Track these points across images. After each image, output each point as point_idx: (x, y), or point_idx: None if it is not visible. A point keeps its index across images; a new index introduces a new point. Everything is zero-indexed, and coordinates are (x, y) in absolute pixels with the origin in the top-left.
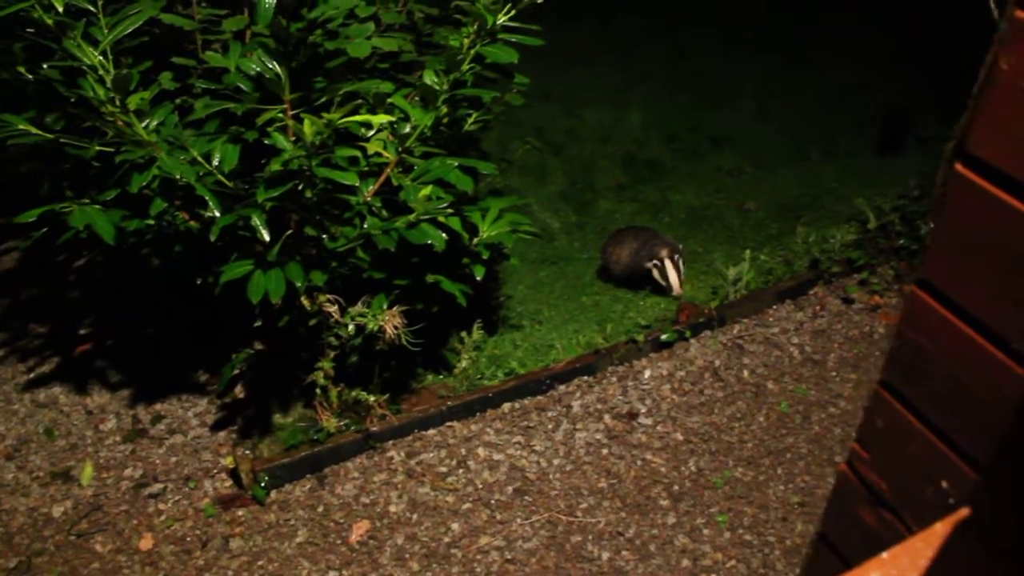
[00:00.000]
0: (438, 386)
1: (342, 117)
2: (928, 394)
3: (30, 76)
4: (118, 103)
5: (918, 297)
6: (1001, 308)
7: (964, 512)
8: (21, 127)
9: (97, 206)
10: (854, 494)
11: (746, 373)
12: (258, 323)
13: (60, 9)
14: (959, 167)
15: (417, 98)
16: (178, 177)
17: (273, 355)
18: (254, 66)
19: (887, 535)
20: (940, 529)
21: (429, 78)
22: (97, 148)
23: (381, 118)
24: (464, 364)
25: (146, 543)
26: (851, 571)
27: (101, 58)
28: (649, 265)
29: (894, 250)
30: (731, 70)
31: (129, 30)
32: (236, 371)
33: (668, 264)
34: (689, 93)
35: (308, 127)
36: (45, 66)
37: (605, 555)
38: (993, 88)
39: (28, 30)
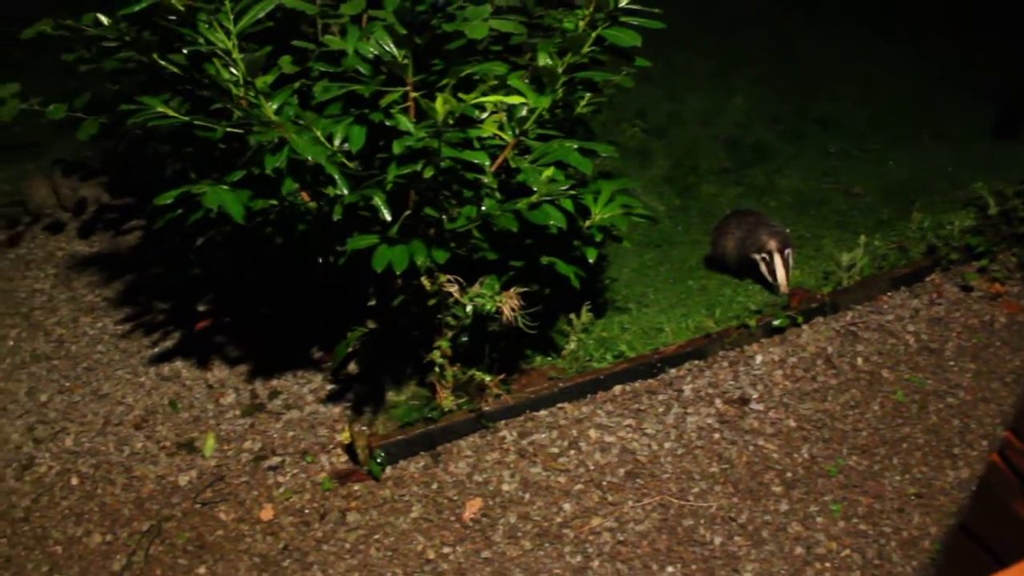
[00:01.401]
0: (547, 367)
1: (476, 98)
2: None
3: (163, 62)
4: (243, 84)
5: None
6: None
7: None
8: (159, 109)
9: (226, 187)
10: (1005, 485)
11: (860, 360)
12: (372, 302)
13: None
14: None
15: (527, 80)
16: (308, 158)
17: (386, 334)
18: (372, 49)
19: None
20: None
21: (544, 60)
22: (225, 130)
23: (513, 99)
24: (572, 346)
25: (267, 514)
26: (1016, 566)
27: (231, 43)
28: (757, 257)
29: (1017, 237)
30: (836, 52)
31: (260, 15)
32: (350, 349)
33: (777, 259)
34: (793, 76)
35: (440, 106)
36: (184, 51)
37: (717, 539)
38: None
39: (171, 17)
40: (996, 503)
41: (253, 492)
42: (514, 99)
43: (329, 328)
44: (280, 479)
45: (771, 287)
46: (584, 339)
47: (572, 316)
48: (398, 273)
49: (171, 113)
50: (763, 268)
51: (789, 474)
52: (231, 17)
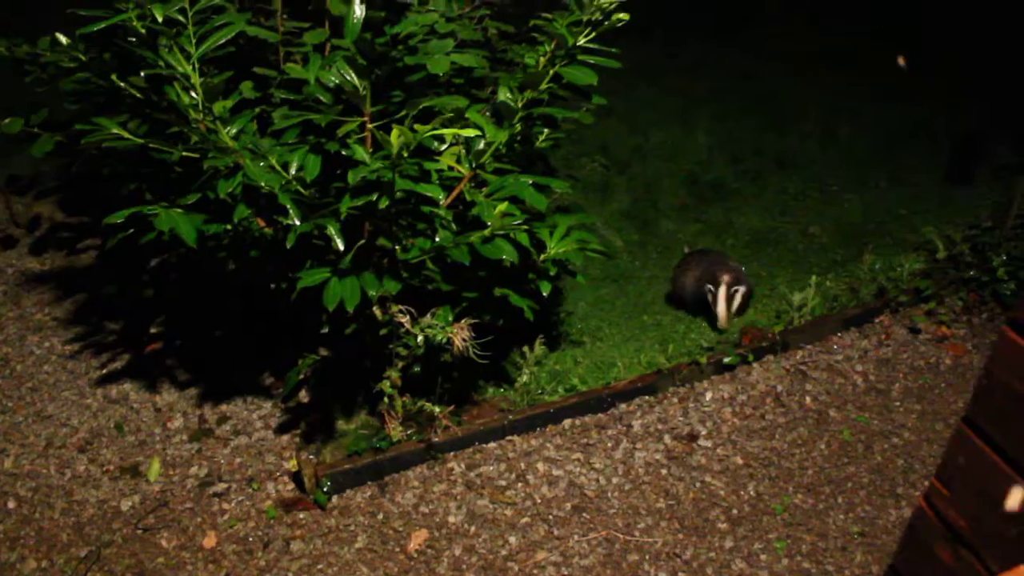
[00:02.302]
0: (498, 399)
1: (430, 130)
2: (1016, 435)
3: (121, 84)
4: (202, 108)
5: (1010, 339)
6: None
7: None
8: (114, 131)
9: (179, 210)
10: (931, 530)
11: (808, 400)
12: (325, 330)
13: (160, 19)
14: None
15: (488, 113)
16: (262, 185)
17: (338, 362)
18: (333, 78)
19: (965, 573)
20: None
21: (504, 95)
22: (181, 153)
23: (468, 132)
24: (525, 379)
25: (209, 541)
26: None
27: (191, 67)
28: (707, 288)
29: (964, 281)
30: (798, 94)
31: (221, 41)
32: (301, 376)
33: (722, 292)
34: (755, 116)
35: (395, 138)
36: (142, 73)
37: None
38: None
39: (131, 39)
40: (923, 547)
41: (197, 519)
42: (468, 132)
43: (281, 354)
44: (225, 506)
45: (714, 321)
46: (537, 372)
47: (526, 348)
48: (349, 310)
49: (126, 135)
50: (710, 299)
51: (735, 511)
52: (193, 41)
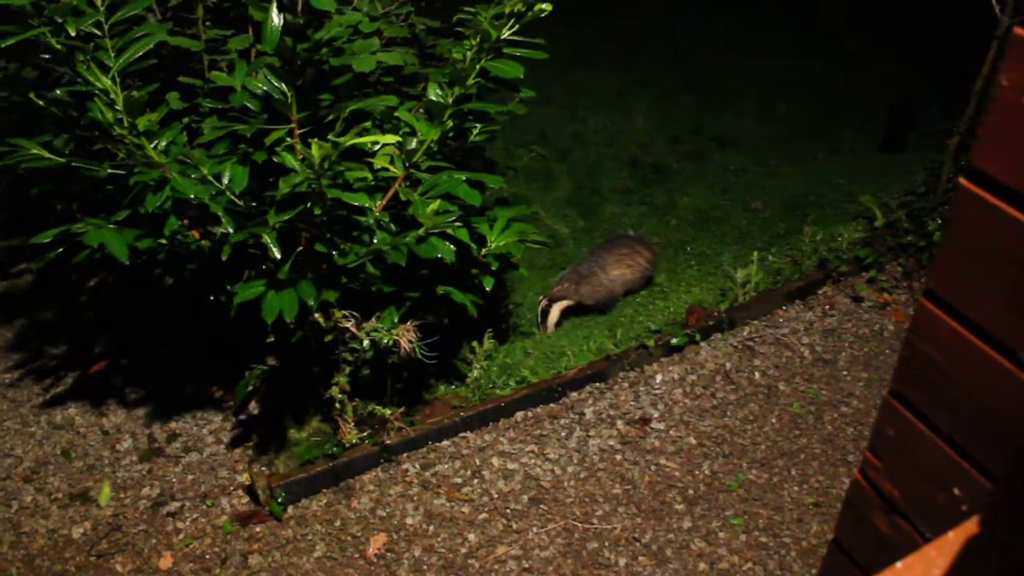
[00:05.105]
0: (451, 396)
1: (350, 140)
2: (938, 403)
3: (40, 101)
4: (127, 124)
5: (926, 308)
6: (1008, 319)
7: (977, 520)
8: (34, 151)
9: (111, 226)
10: (867, 501)
11: (757, 375)
12: (271, 339)
13: (73, 33)
14: (964, 181)
15: (422, 111)
16: (192, 197)
17: (287, 370)
18: (260, 85)
19: (901, 541)
20: (953, 538)
21: (434, 93)
22: (109, 170)
23: (389, 138)
24: (476, 374)
25: (165, 562)
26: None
27: (111, 81)
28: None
29: (902, 247)
30: (733, 71)
31: (140, 53)
32: (250, 387)
33: (540, 308)
34: (692, 95)
35: (316, 151)
36: (58, 91)
37: (622, 561)
38: (994, 104)
39: (44, 56)
40: (860, 518)
41: (151, 540)
42: (389, 138)
43: (229, 366)
44: (180, 525)
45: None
46: (487, 366)
47: (475, 343)
48: (288, 320)
49: (47, 155)
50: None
51: (691, 491)
52: (112, 54)
